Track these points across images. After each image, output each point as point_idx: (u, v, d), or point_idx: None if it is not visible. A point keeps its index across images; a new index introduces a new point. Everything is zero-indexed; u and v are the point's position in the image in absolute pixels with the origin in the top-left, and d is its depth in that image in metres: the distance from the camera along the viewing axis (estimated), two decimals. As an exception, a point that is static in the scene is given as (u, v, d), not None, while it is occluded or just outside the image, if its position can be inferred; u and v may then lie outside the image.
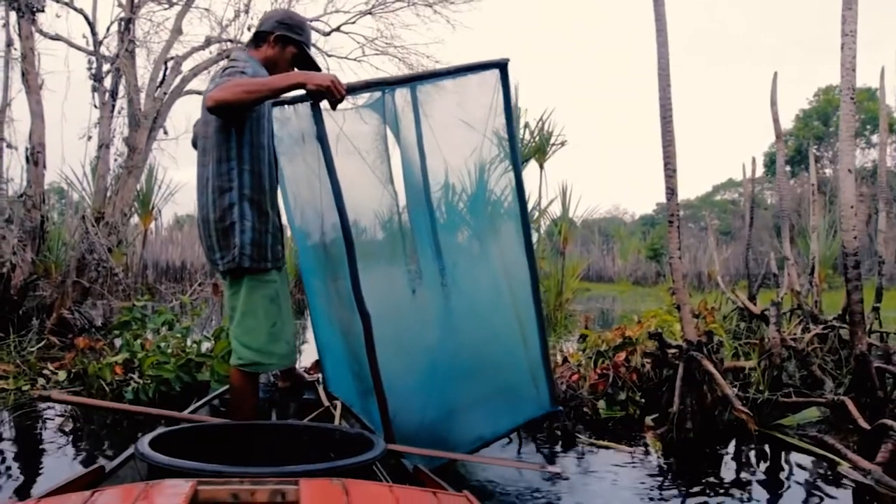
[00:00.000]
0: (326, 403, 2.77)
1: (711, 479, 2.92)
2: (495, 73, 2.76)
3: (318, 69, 2.72)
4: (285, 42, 2.64)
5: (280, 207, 2.76)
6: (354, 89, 2.43)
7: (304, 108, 2.57)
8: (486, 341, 2.82)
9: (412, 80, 2.73)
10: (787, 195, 6.23)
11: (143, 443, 1.74)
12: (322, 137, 2.31)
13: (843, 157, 3.40)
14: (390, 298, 2.68)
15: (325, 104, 2.35)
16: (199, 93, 7.91)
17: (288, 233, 3.27)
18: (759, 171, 26.12)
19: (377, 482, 1.83)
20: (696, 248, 23.59)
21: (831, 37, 3.64)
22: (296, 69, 2.71)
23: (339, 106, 2.38)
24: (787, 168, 29.81)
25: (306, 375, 3.16)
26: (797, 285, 5.98)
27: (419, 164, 2.88)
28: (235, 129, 2.45)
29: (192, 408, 2.71)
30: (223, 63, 2.51)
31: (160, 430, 1.94)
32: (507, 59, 2.76)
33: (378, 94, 2.72)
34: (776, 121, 5.94)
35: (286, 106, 2.77)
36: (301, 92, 2.34)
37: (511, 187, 2.88)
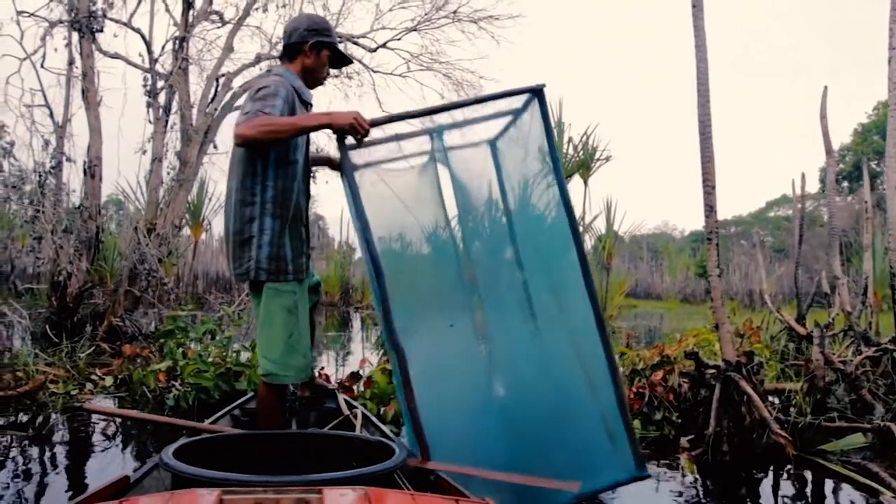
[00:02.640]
0: (346, 412, 2.79)
1: (746, 504, 2.84)
2: (535, 102, 2.55)
3: (350, 62, 2.87)
4: (320, 48, 2.67)
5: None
6: (377, 123, 2.39)
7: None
8: (542, 389, 2.50)
9: (442, 110, 2.55)
10: (836, 212, 6.03)
11: (168, 453, 1.77)
12: (347, 171, 2.30)
13: (889, 175, 3.28)
14: (445, 347, 2.52)
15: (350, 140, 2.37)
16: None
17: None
18: (815, 186, 25.26)
19: (399, 490, 1.84)
20: (747, 265, 22.96)
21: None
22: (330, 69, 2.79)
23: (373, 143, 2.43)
24: (846, 184, 28.79)
25: (326, 384, 3.18)
26: (848, 305, 5.76)
27: (486, 201, 2.74)
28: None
29: (213, 418, 2.76)
30: (253, 92, 2.49)
31: (184, 440, 1.98)
32: (543, 85, 2.54)
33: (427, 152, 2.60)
34: (826, 135, 5.76)
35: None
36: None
37: (561, 214, 2.59)
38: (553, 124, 9.82)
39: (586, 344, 2.51)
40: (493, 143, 2.79)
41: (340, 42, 2.79)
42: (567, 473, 2.33)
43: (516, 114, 2.65)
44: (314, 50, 2.66)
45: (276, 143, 2.41)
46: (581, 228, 10.34)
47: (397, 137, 2.43)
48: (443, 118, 2.58)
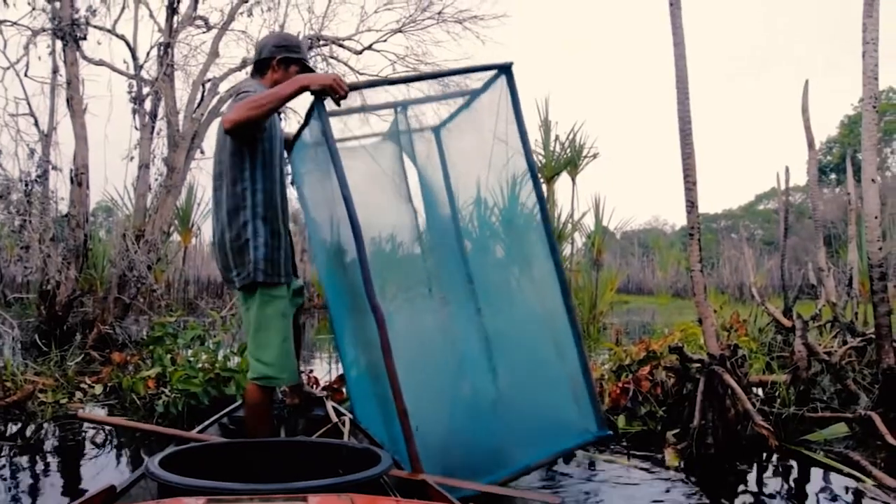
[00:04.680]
0: (335, 420, 2.81)
1: (730, 496, 2.87)
2: (502, 80, 2.68)
3: None
4: (288, 63, 2.76)
5: (291, 226, 2.83)
6: (356, 88, 2.47)
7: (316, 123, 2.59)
8: (519, 359, 2.70)
9: (414, 80, 2.75)
10: (820, 204, 6.09)
11: (154, 462, 1.78)
12: (326, 133, 2.34)
13: (866, 167, 3.33)
14: (414, 319, 2.63)
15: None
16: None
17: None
18: (802, 179, 25.44)
19: (384, 496, 1.86)
20: (737, 258, 23.09)
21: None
22: None
23: (357, 124, 2.48)
24: (833, 176, 28.97)
25: (314, 392, 3.21)
26: (834, 297, 5.83)
27: (441, 184, 2.89)
28: (249, 152, 2.56)
29: (201, 427, 2.77)
30: (236, 96, 2.62)
31: (170, 448, 2.00)
32: (511, 63, 2.67)
33: (391, 127, 2.76)
34: (808, 129, 5.82)
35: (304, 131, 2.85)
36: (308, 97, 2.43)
37: (532, 196, 2.77)
38: (541, 120, 9.75)
39: (555, 315, 2.68)
40: (436, 131, 2.92)
41: (326, 44, 2.91)
42: (537, 437, 2.60)
43: (474, 94, 2.75)
44: (282, 65, 2.75)
45: (265, 117, 2.44)
46: (570, 226, 10.39)
47: (364, 109, 2.52)
48: (410, 92, 2.76)
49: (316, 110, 2.42)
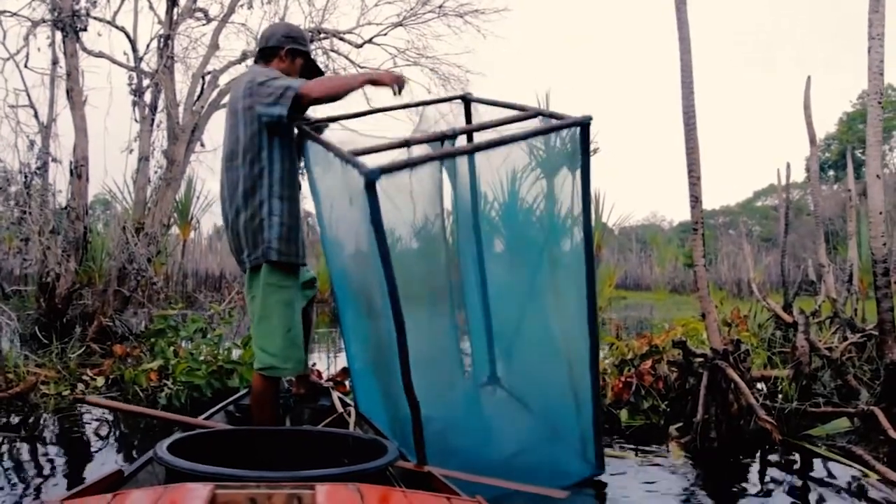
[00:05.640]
0: (340, 410, 2.81)
1: (733, 489, 2.88)
2: (574, 131, 2.62)
3: (322, 73, 2.95)
4: (295, 54, 2.79)
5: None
6: (414, 164, 2.20)
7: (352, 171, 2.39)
8: (533, 392, 2.74)
9: (486, 148, 2.54)
10: (820, 201, 6.10)
11: (162, 447, 1.78)
12: (377, 222, 2.07)
13: (870, 163, 3.33)
14: (430, 344, 2.62)
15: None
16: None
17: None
18: (801, 175, 25.48)
19: (391, 487, 1.86)
20: (735, 255, 23.13)
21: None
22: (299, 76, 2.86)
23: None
24: (831, 173, 29.01)
25: (321, 382, 3.21)
26: (834, 293, 5.84)
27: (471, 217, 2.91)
28: (268, 132, 2.55)
29: (207, 413, 2.78)
30: (263, 80, 2.55)
31: (178, 434, 2.00)
32: (590, 117, 2.56)
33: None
34: (810, 125, 5.83)
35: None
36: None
37: (578, 241, 2.79)
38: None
39: (577, 359, 2.66)
40: (465, 97, 2.97)
41: (326, 37, 2.93)
42: (541, 467, 2.58)
43: (533, 136, 2.69)
44: (289, 56, 2.78)
45: (335, 100, 2.59)
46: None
47: (408, 143, 2.43)
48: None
49: (365, 193, 2.04)
